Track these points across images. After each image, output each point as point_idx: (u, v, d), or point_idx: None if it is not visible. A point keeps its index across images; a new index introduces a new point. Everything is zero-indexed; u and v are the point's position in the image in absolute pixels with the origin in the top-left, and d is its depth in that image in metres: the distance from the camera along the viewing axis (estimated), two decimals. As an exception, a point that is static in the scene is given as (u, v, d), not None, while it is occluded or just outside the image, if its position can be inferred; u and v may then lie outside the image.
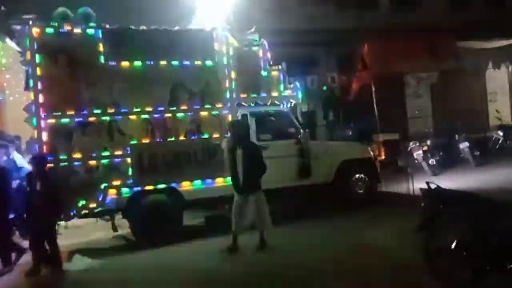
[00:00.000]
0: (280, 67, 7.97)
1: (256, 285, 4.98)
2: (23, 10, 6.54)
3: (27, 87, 6.73)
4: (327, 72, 13.31)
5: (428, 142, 11.13)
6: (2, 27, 6.73)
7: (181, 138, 7.15)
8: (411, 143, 11.09)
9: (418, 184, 6.34)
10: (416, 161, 10.78)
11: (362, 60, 11.76)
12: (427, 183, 4.37)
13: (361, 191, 8.27)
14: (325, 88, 13.17)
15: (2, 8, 6.42)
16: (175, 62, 7.15)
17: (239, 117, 7.51)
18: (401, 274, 4.71)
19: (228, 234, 6.28)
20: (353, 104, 12.47)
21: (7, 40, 7.10)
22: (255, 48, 7.75)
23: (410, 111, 14.48)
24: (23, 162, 7.36)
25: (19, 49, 6.85)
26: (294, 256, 5.78)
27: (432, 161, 10.74)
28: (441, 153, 11.14)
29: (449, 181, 8.60)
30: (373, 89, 10.38)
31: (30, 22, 6.44)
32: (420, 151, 10.80)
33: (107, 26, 6.86)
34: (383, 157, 9.35)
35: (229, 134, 6.60)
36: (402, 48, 12.17)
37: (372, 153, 8.72)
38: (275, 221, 6.28)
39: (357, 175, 8.28)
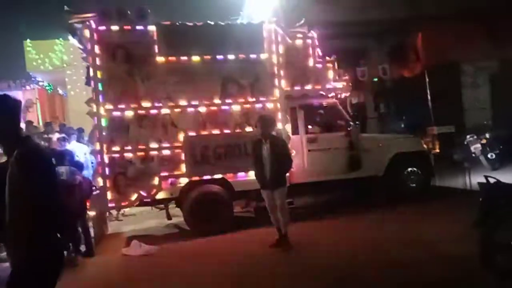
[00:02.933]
0: (329, 59, 7.91)
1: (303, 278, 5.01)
2: (83, 8, 6.90)
3: (88, 82, 7.14)
4: (378, 64, 12.97)
5: (487, 135, 10.56)
6: (64, 26, 7.13)
7: (232, 130, 7.30)
8: (468, 136, 10.58)
9: (475, 179, 6.07)
10: (473, 155, 10.26)
11: (415, 50, 11.31)
12: (486, 177, 4.19)
13: (414, 185, 8.11)
14: (376, 79, 12.87)
15: (65, 8, 6.80)
16: (225, 56, 7.29)
17: (288, 110, 7.56)
18: (457, 270, 4.57)
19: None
20: (406, 96, 12.07)
21: (69, 37, 7.53)
22: (304, 41, 7.74)
23: (467, 102, 13.80)
24: (80, 151, 8.13)
25: (80, 46, 7.27)
26: (345, 249, 5.76)
27: (491, 155, 10.19)
28: (501, 147, 10.53)
29: (510, 176, 8.14)
30: (427, 79, 9.99)
31: (90, 20, 6.82)
32: (478, 144, 10.27)
33: (161, 22, 7.11)
34: (437, 150, 9.02)
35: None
36: (459, 34, 11.46)
37: (425, 146, 8.47)
38: (325, 213, 6.22)
39: (409, 169, 8.11)
